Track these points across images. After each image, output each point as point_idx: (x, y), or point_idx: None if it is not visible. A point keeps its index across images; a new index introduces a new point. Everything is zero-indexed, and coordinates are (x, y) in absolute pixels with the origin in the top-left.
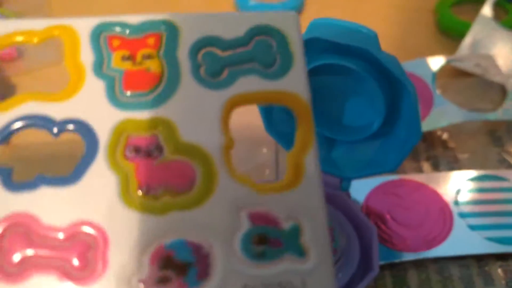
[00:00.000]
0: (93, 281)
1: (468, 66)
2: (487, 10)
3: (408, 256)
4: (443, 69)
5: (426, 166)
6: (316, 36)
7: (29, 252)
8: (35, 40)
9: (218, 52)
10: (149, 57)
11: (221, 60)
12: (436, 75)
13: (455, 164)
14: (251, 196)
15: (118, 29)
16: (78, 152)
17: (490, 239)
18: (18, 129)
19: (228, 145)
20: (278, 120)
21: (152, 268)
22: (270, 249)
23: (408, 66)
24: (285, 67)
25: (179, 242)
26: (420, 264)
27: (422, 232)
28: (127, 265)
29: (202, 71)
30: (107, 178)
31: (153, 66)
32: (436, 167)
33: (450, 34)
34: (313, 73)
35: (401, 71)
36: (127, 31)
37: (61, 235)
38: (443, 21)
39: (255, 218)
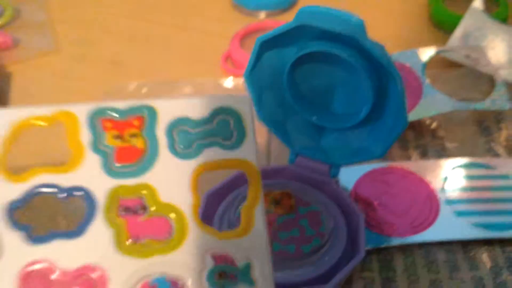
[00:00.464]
0: None
1: (458, 57)
2: (478, 2)
3: (395, 241)
4: (433, 60)
5: (414, 154)
6: (304, 23)
7: None
8: (45, 124)
9: (189, 129)
10: (134, 135)
11: (191, 136)
12: (426, 66)
13: (443, 153)
14: (214, 242)
15: (109, 113)
16: (80, 209)
17: (476, 224)
18: (36, 194)
19: (196, 204)
20: (269, 109)
21: None
22: (228, 282)
23: (399, 56)
24: (240, 140)
25: (161, 279)
26: (406, 249)
27: (409, 218)
28: None
29: (176, 145)
30: (104, 232)
31: (137, 143)
32: (424, 156)
33: (442, 26)
34: (302, 61)
35: (388, 60)
36: (117, 115)
37: (71, 276)
38: (436, 14)
39: (217, 258)
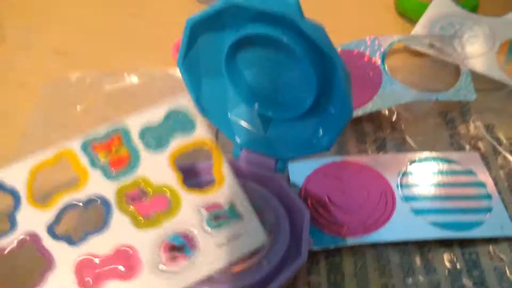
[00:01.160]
0: (138, 274)
1: (421, 46)
2: None
3: (345, 242)
4: (395, 48)
5: (372, 148)
6: (234, 3)
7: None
8: (52, 163)
9: (154, 131)
10: (118, 149)
11: (158, 135)
12: (386, 55)
13: (403, 147)
14: (201, 198)
15: (95, 140)
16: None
17: (435, 224)
18: (64, 212)
19: (179, 177)
20: (209, 99)
21: (166, 254)
22: (222, 221)
23: (357, 44)
24: (193, 127)
25: (175, 236)
26: (357, 250)
27: (362, 216)
28: (152, 258)
29: (150, 144)
30: (123, 220)
31: (122, 153)
32: (382, 150)
33: (408, 14)
34: (242, 46)
35: (327, 42)
36: (100, 139)
37: (109, 258)
38: (401, 2)
39: (208, 209)
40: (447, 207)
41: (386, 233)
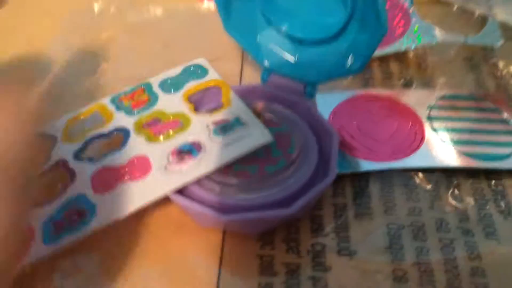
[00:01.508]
0: (147, 174)
1: None
2: None
3: (375, 166)
4: None
5: (398, 85)
6: None
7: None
8: (83, 116)
9: (172, 81)
10: (140, 95)
11: (175, 82)
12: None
13: (428, 86)
14: (210, 117)
15: (121, 94)
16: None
17: (464, 153)
18: (90, 143)
19: (192, 107)
20: (238, 20)
21: (174, 158)
22: (227, 129)
23: None
24: (205, 73)
25: (184, 144)
26: (384, 175)
27: (392, 144)
28: (161, 162)
29: (167, 89)
30: (138, 138)
31: (143, 97)
32: (409, 87)
33: None
34: None
35: None
36: (126, 93)
37: (126, 166)
38: None
39: (216, 123)
40: (475, 139)
41: (416, 160)
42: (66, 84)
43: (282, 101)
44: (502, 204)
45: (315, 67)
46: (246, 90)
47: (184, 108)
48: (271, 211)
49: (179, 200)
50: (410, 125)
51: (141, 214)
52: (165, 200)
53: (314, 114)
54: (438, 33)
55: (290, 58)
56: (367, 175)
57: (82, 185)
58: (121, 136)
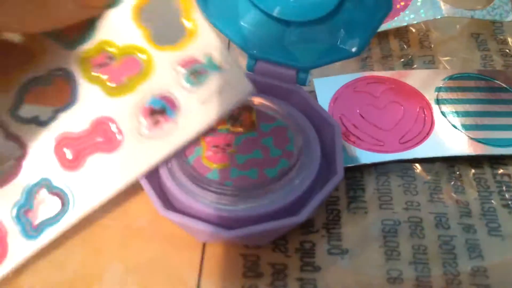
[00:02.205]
0: (121, 144)
1: None
2: None
3: (382, 158)
4: None
5: (399, 65)
6: None
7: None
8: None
9: None
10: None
11: None
12: None
13: (431, 65)
14: (175, 54)
15: None
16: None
17: (477, 140)
18: (26, 92)
19: (145, 33)
20: (219, 4)
21: (147, 119)
22: (201, 75)
23: None
24: None
25: (153, 99)
26: (379, 167)
27: (400, 132)
28: (133, 126)
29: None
30: (92, 89)
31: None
32: (409, 67)
33: None
34: None
35: None
36: None
37: (87, 133)
38: None
39: (184, 65)
40: (489, 123)
41: (426, 150)
42: None
43: (273, 91)
44: (507, 196)
45: (307, 51)
46: None
47: (137, 35)
48: (281, 221)
49: (174, 217)
50: (418, 109)
51: (114, 210)
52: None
53: (311, 104)
54: (443, 7)
55: (277, 42)
56: (362, 165)
57: (44, 161)
58: (65, 82)
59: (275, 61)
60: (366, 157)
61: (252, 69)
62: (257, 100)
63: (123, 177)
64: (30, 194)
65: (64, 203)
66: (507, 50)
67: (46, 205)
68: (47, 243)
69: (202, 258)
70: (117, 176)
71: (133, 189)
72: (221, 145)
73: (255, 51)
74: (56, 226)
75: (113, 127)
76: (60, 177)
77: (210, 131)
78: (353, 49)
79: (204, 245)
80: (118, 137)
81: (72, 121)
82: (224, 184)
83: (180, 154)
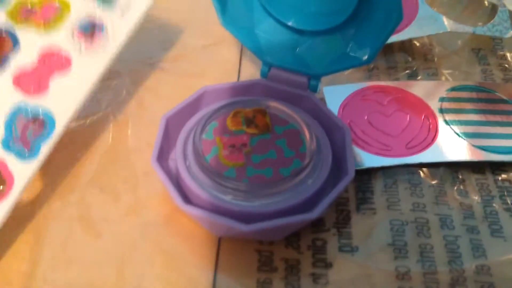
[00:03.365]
0: (70, 63)
1: None
2: None
3: (389, 162)
4: None
5: (403, 77)
6: None
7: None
8: None
9: None
10: None
11: None
12: None
13: (434, 77)
14: None
15: None
16: None
17: (479, 147)
18: None
19: None
20: (236, 13)
21: (82, 39)
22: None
23: None
24: None
25: (80, 24)
26: (387, 171)
27: (406, 138)
28: (74, 46)
29: None
30: (31, 32)
31: None
32: (414, 78)
33: None
34: None
35: None
36: None
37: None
38: None
39: None
40: (490, 132)
41: (431, 155)
42: None
43: (286, 96)
44: (508, 201)
45: (319, 58)
46: (246, 86)
47: None
48: (295, 217)
49: (194, 211)
50: (423, 118)
51: (132, 210)
52: (155, 196)
53: (322, 109)
54: (446, 22)
55: (291, 50)
56: (370, 169)
57: (9, 96)
58: (3, 34)
59: (288, 68)
60: (374, 161)
61: (266, 75)
62: (271, 104)
63: (84, 85)
64: (9, 127)
65: (45, 121)
66: (506, 65)
67: (31, 129)
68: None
69: (218, 253)
70: (78, 87)
71: (150, 185)
72: (238, 145)
73: (269, 58)
74: (48, 140)
75: (60, 53)
76: (31, 103)
77: (227, 132)
78: (364, 58)
79: (219, 241)
80: (66, 58)
81: (22, 60)
82: (240, 181)
83: (198, 153)
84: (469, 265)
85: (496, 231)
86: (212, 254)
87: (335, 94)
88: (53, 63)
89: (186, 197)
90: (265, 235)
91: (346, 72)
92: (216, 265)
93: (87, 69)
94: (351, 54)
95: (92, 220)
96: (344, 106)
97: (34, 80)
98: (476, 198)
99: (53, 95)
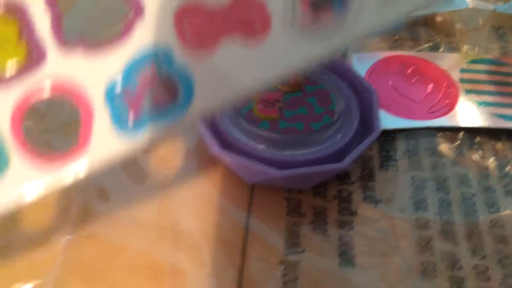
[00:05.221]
0: (265, 31)
1: None
2: None
3: (413, 124)
4: None
5: (425, 49)
6: None
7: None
8: None
9: None
10: None
11: None
12: None
13: (456, 51)
14: None
15: None
16: None
17: (498, 115)
18: None
19: None
20: None
21: (306, 10)
22: None
23: None
24: None
25: None
26: (410, 133)
27: (428, 104)
28: (287, 15)
29: None
30: None
31: None
32: (436, 51)
33: None
34: None
35: None
36: None
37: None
38: None
39: None
40: (507, 102)
41: (452, 120)
42: None
43: None
44: None
45: None
46: None
47: None
48: (326, 165)
49: (229, 156)
50: (444, 86)
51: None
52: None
53: (350, 72)
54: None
55: None
56: (394, 130)
57: (160, 27)
58: None
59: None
60: (398, 122)
61: None
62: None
63: (262, 74)
64: (132, 72)
65: (178, 94)
66: None
67: (153, 91)
68: (146, 144)
69: (251, 199)
70: (253, 71)
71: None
72: (271, 101)
73: None
74: (161, 122)
75: (261, 10)
76: (178, 57)
77: None
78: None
79: (252, 188)
80: (265, 23)
81: None
82: (274, 132)
83: (233, 104)
84: (484, 218)
85: (510, 192)
86: (245, 200)
87: (362, 61)
88: (242, 13)
89: (223, 145)
90: (295, 183)
91: (373, 41)
92: (249, 210)
93: (283, 51)
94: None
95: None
96: (371, 72)
97: (202, 25)
98: (492, 161)
99: (211, 62)
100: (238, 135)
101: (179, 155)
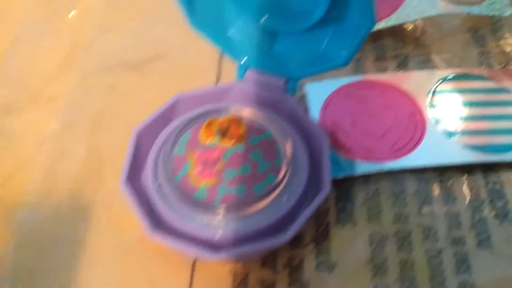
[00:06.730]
0: None
1: None
2: None
3: (372, 168)
4: None
5: (392, 66)
6: None
7: None
8: None
9: None
10: None
11: None
12: None
13: (426, 65)
14: None
15: None
16: None
17: (472, 147)
18: None
19: None
20: (206, 12)
21: None
22: None
23: None
24: None
25: None
26: (368, 177)
27: (390, 140)
28: None
29: None
30: None
31: None
32: (404, 67)
33: None
34: None
35: None
36: None
37: None
38: None
39: None
40: (482, 128)
41: (417, 158)
42: None
43: (262, 100)
44: (499, 205)
45: (295, 60)
46: (221, 91)
47: None
48: (267, 241)
49: (161, 239)
50: (409, 115)
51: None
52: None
53: (299, 114)
54: (439, 4)
55: (266, 51)
56: (350, 177)
57: None
58: None
59: (264, 69)
60: (356, 167)
61: (242, 77)
62: (246, 112)
63: None
64: None
65: None
66: (506, 47)
67: None
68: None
69: (192, 275)
70: None
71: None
72: (210, 161)
73: (244, 60)
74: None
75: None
76: None
77: (199, 145)
78: (341, 60)
79: (194, 262)
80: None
81: None
82: (211, 205)
83: (168, 172)
84: (452, 282)
85: (483, 243)
86: (186, 276)
87: (317, 91)
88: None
89: (159, 219)
90: (238, 259)
91: None
92: (190, 285)
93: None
94: (328, 56)
95: None
96: (327, 104)
97: None
98: (464, 204)
99: None
100: (174, 207)
101: (118, 228)
